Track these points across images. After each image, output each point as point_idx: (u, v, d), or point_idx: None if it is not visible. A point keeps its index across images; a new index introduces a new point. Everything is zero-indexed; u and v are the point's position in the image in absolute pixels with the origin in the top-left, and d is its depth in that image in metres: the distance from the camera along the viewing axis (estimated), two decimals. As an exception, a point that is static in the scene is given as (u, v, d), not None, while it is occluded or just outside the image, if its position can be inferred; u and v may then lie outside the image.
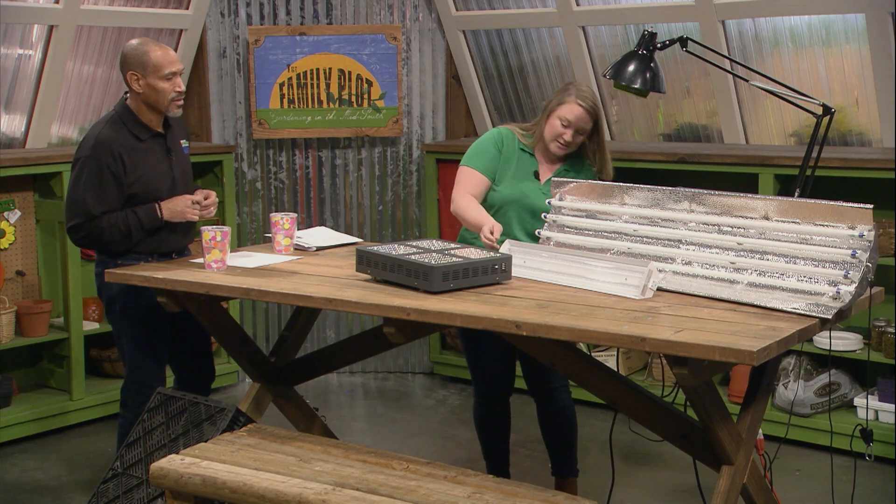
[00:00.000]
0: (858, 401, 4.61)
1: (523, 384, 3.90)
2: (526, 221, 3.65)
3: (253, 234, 5.90)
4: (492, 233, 3.42)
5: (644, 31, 3.67)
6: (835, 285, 2.80)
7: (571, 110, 3.58)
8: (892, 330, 4.49)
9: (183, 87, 3.78)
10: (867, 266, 2.80)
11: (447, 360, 5.85)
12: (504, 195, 3.66)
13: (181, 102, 3.78)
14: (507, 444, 3.92)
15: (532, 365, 3.75)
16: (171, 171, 3.83)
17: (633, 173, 4.98)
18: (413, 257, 3.17)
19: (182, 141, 3.95)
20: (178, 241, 3.88)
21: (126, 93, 3.80)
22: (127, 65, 3.71)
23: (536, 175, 3.68)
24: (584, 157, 3.72)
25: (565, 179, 3.54)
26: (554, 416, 3.84)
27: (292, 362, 4.06)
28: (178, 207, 3.76)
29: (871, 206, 2.84)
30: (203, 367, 4.07)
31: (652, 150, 5.07)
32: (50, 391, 5.14)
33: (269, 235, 3.88)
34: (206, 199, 3.82)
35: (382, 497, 2.79)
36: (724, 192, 3.15)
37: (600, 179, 3.66)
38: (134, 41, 3.79)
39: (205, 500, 3.05)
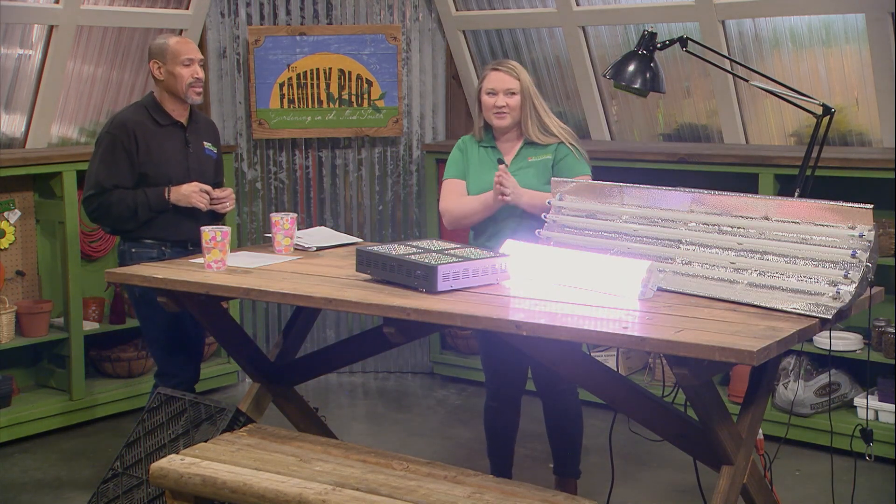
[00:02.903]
0: (858, 401, 4.61)
1: (530, 384, 3.90)
2: (509, 209, 3.65)
3: (253, 234, 5.90)
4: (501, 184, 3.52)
5: (644, 31, 3.66)
6: (835, 285, 2.80)
7: (490, 79, 3.68)
8: (892, 330, 4.49)
9: (202, 75, 3.95)
10: (867, 266, 2.80)
11: (447, 360, 5.85)
12: (471, 192, 3.73)
13: (199, 89, 3.95)
14: (512, 445, 3.93)
15: (542, 365, 3.75)
16: (186, 161, 3.96)
17: (633, 173, 4.98)
18: (413, 257, 3.16)
19: (207, 143, 4.07)
20: (196, 231, 3.88)
21: (152, 92, 4.01)
22: (150, 55, 3.94)
23: (502, 161, 3.70)
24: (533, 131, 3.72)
25: (564, 179, 3.54)
26: (560, 417, 3.85)
27: (292, 362, 4.06)
28: (184, 191, 3.89)
29: (871, 206, 2.84)
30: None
31: (652, 150, 5.07)
32: (50, 391, 5.14)
33: (269, 235, 3.88)
34: (221, 192, 3.94)
35: (382, 497, 2.79)
36: (724, 192, 3.15)
37: (569, 145, 3.67)
38: (159, 36, 4.04)
39: (205, 500, 3.05)
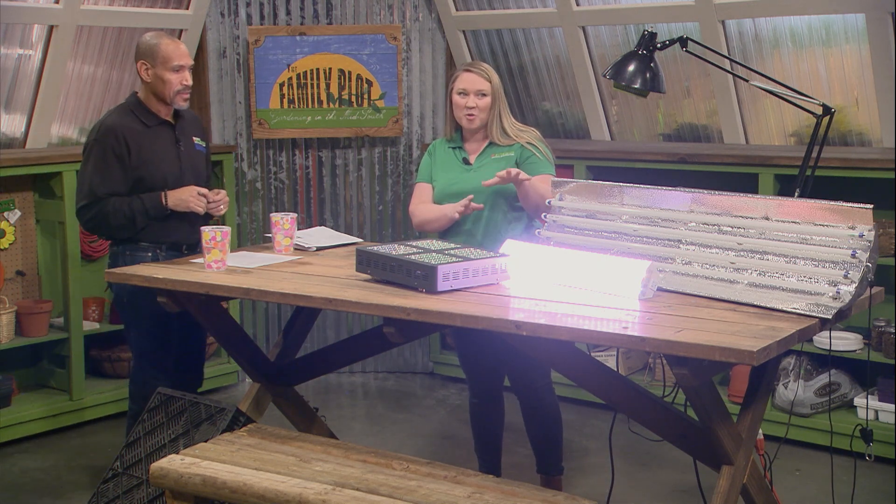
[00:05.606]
0: (858, 401, 4.61)
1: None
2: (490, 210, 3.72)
3: (253, 234, 5.89)
4: (463, 207, 3.59)
5: (644, 31, 3.66)
6: (835, 285, 2.80)
7: (463, 79, 3.75)
8: (892, 330, 4.49)
9: (190, 81, 3.87)
10: (867, 266, 2.80)
11: (447, 360, 5.85)
12: (436, 191, 3.81)
13: (187, 96, 3.88)
14: (499, 441, 3.94)
15: (516, 363, 3.77)
16: (178, 159, 3.90)
17: (633, 173, 4.98)
18: (413, 257, 3.17)
19: (196, 138, 4.01)
20: (190, 234, 3.87)
21: (135, 92, 3.93)
22: (139, 54, 3.84)
23: (467, 161, 3.79)
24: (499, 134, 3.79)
25: (564, 179, 3.54)
26: (538, 414, 3.86)
27: (292, 362, 4.06)
28: (182, 196, 3.82)
29: (871, 206, 2.84)
30: (191, 370, 4.04)
31: (652, 150, 5.07)
32: (50, 391, 5.14)
33: (269, 235, 3.88)
34: (216, 195, 3.87)
35: (382, 497, 2.79)
36: (724, 192, 3.15)
37: (528, 146, 3.73)
38: (149, 34, 3.92)
39: (205, 500, 3.05)
